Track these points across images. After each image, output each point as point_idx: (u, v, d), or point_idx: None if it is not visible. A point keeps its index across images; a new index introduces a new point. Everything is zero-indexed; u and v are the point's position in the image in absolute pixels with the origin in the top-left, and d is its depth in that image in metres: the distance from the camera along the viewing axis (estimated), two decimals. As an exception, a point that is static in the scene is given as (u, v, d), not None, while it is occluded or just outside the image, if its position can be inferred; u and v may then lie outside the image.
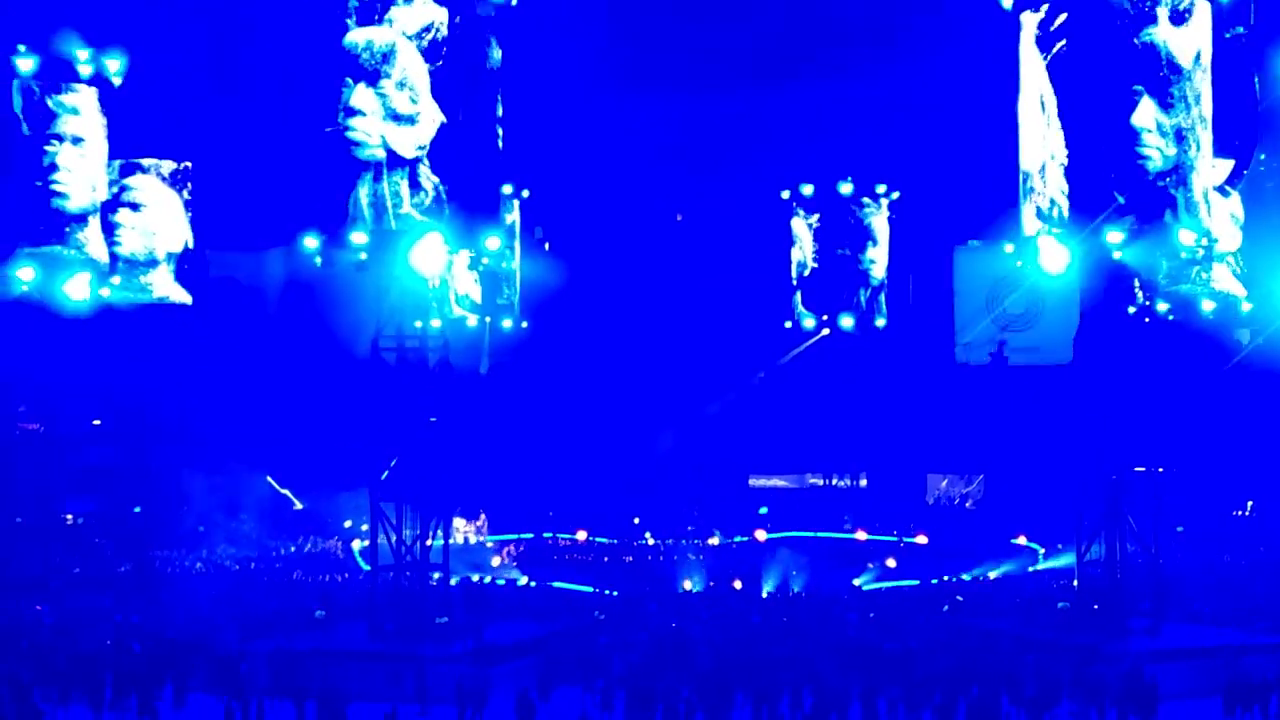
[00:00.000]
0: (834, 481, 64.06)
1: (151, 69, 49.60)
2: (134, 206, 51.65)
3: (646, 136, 60.42)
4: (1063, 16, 36.24)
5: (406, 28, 36.68)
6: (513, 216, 56.14)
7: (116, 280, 50.69)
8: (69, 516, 52.93)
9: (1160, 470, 38.36)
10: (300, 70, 38.16)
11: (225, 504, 54.10)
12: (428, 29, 36.74)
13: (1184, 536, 51.61)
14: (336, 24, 36.81)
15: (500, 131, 39.20)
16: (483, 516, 57.07)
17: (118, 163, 50.84)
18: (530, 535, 56.58)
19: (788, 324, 63.44)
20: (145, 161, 51.78)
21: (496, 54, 38.63)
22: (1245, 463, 55.70)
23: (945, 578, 47.97)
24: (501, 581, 48.02)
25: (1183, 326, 42.26)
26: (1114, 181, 35.54)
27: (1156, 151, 35.61)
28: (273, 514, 55.09)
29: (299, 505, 56.34)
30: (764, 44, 58.72)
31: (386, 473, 37.48)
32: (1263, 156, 41.64)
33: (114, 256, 50.75)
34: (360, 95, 36.73)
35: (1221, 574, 46.64)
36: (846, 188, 62.34)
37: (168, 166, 52.10)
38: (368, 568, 41.35)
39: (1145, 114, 35.58)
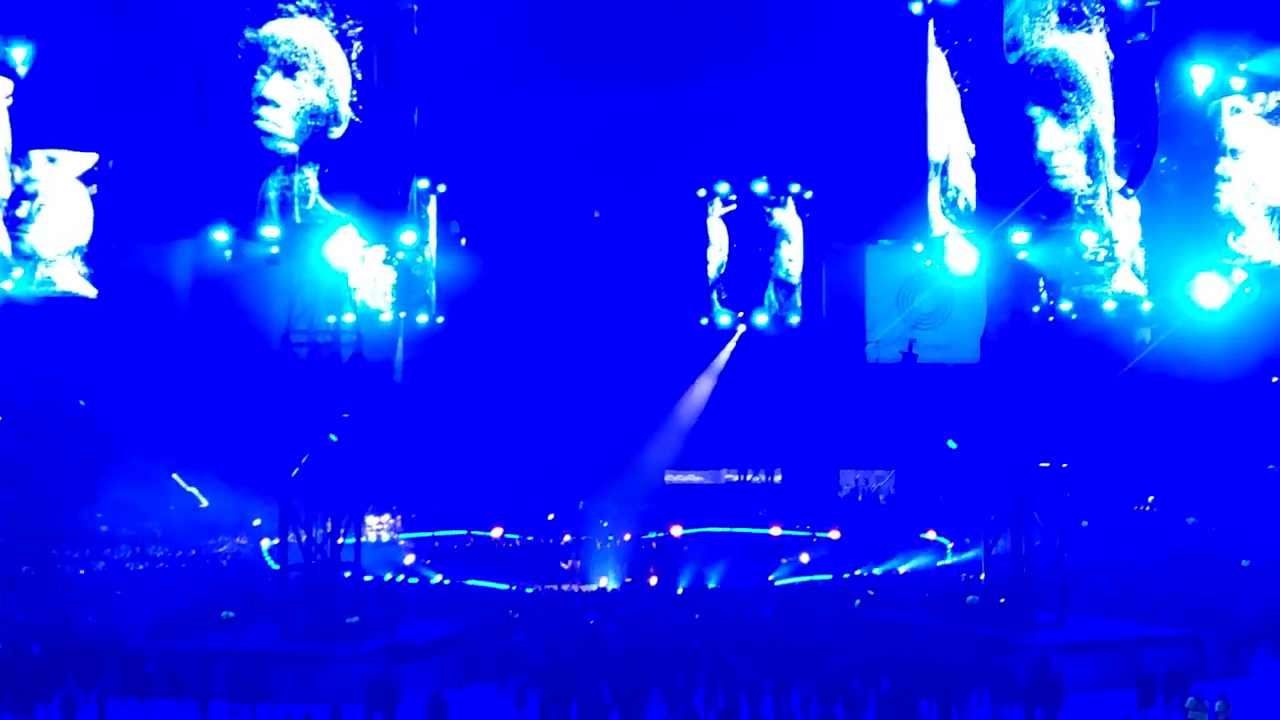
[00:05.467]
0: (749, 477, 64.49)
1: (57, 59, 48.38)
2: (37, 199, 50.38)
3: (564, 132, 60.31)
4: None
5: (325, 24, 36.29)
6: (429, 211, 55.74)
7: (19, 273, 49.45)
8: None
9: (1065, 466, 39.12)
10: (213, 60, 37.46)
11: (131, 502, 53.04)
12: (344, 19, 36.36)
13: (1088, 531, 52.68)
14: (253, 14, 36.26)
15: (416, 124, 38.86)
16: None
17: (27, 154, 49.58)
18: (445, 532, 56.22)
19: (704, 321, 63.77)
20: (50, 153, 50.53)
21: (413, 48, 38.27)
22: (1146, 458, 57.02)
23: (857, 572, 48.53)
24: (415, 580, 47.64)
25: (1086, 326, 43.15)
26: (1028, 200, 36.00)
27: (1070, 168, 36.23)
28: (180, 512, 54.12)
29: (205, 503, 55.40)
30: (680, 41, 58.95)
31: (297, 469, 37.04)
32: (1163, 160, 42.56)
33: (17, 250, 49.52)
34: (274, 86, 36.22)
35: (1125, 567, 47.67)
36: (761, 186, 62.80)
37: (74, 159, 50.87)
38: (277, 567, 40.76)
39: (1051, 136, 36.18)
